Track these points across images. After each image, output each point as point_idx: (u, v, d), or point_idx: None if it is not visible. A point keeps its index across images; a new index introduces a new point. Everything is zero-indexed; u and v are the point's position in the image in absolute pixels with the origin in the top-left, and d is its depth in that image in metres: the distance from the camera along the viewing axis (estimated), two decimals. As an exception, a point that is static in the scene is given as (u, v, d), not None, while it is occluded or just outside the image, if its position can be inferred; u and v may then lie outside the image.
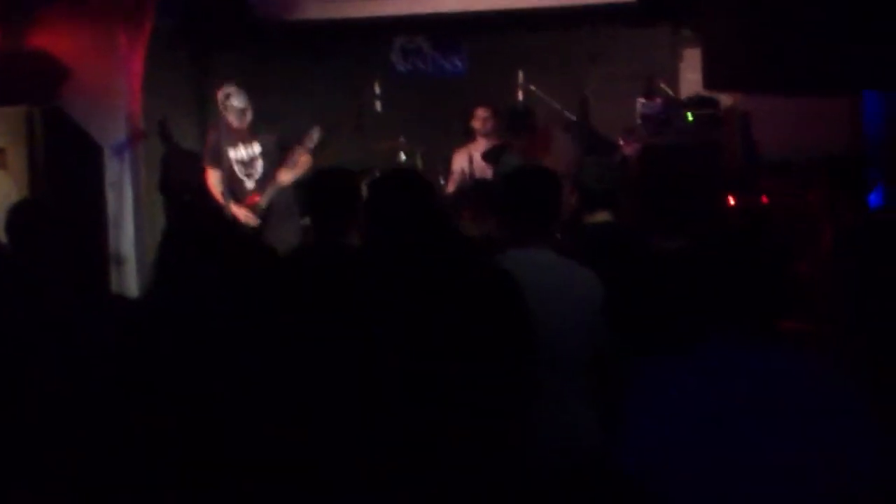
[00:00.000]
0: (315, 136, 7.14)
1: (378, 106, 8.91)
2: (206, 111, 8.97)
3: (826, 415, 2.44)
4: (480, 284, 2.74)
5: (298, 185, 7.20)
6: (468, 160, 8.02)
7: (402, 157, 8.57)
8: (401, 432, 2.53)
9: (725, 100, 8.04)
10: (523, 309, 2.68)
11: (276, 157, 7.25)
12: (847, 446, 2.43)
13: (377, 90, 8.92)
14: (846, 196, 4.81)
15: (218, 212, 6.77)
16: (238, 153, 7.30)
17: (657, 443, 2.54)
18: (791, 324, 2.79)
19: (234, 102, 7.15)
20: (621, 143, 7.37)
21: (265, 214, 7.27)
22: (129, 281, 7.41)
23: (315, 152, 7.13)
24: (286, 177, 7.17)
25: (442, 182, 8.39)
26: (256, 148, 7.29)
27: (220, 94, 7.24)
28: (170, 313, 2.98)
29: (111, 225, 7.47)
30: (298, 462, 2.66)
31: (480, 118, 8.23)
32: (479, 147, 8.15)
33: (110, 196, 7.54)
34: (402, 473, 2.49)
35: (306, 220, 7.28)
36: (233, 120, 7.21)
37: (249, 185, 7.36)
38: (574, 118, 8.51)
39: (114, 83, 7.56)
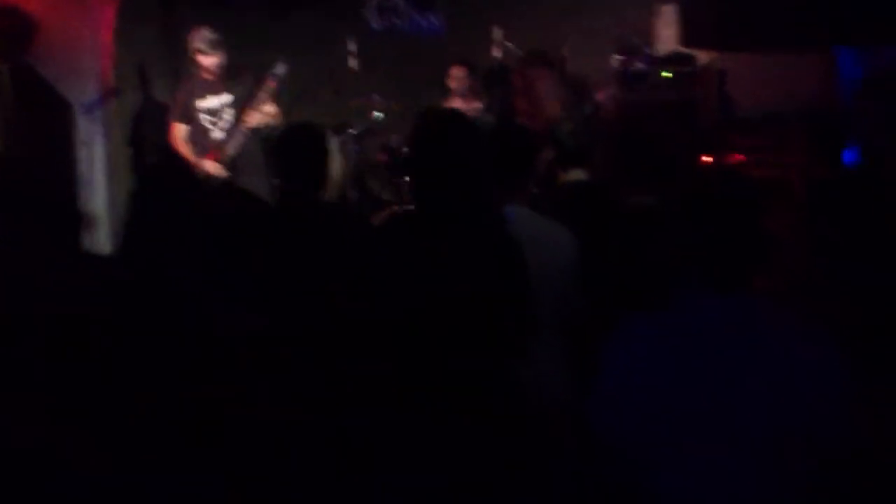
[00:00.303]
0: (280, 70, 6.97)
1: (352, 63, 8.87)
2: (178, 69, 8.88)
3: (797, 369, 2.45)
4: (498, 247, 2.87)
5: (266, 139, 7.12)
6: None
7: (376, 114, 8.53)
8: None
9: (702, 57, 8.01)
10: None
11: (247, 108, 7.08)
12: (817, 400, 2.45)
13: (352, 47, 8.86)
14: (821, 152, 4.81)
15: (185, 170, 6.68)
16: (206, 102, 7.13)
17: (628, 397, 2.56)
18: (764, 281, 2.80)
19: (207, 34, 6.99)
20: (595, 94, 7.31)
21: (234, 165, 7.10)
22: (101, 239, 7.35)
23: (281, 85, 6.97)
24: (253, 119, 7.01)
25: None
26: (225, 97, 7.15)
27: (192, 38, 7.06)
28: (140, 272, 2.97)
29: (82, 183, 7.40)
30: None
31: (456, 77, 8.21)
32: (453, 105, 8.11)
33: (81, 154, 7.46)
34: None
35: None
36: (207, 56, 7.01)
37: (216, 134, 7.17)
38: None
39: (84, 40, 7.46)
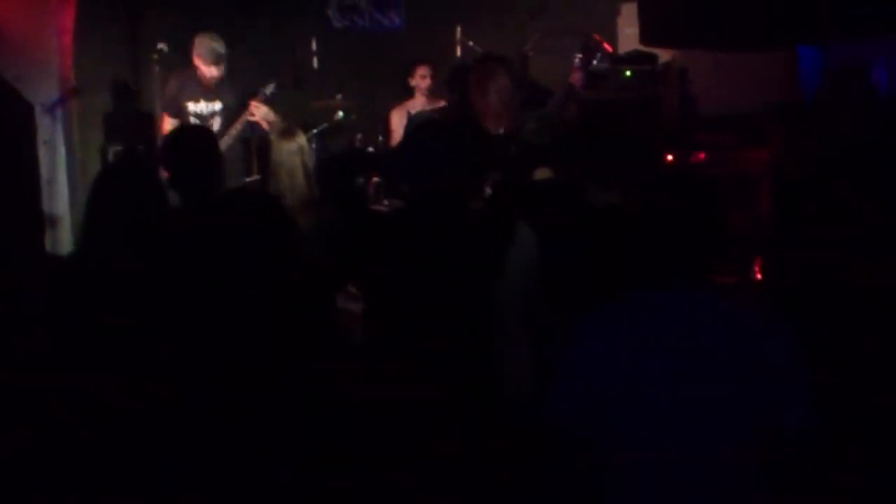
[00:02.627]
0: (269, 90, 7.03)
1: (315, 63, 8.85)
2: (138, 68, 8.83)
3: (753, 363, 2.48)
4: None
5: (243, 141, 7.12)
6: (407, 117, 7.98)
7: (340, 114, 8.51)
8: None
9: (664, 55, 8.05)
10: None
11: (235, 116, 7.11)
12: (773, 394, 2.48)
13: (314, 46, 8.84)
14: (789, 149, 4.84)
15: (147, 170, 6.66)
16: (198, 107, 7.14)
17: (588, 392, 2.57)
18: (725, 277, 2.82)
19: (216, 46, 6.99)
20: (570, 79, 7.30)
21: None
22: (64, 241, 7.30)
23: (268, 104, 7.00)
24: (238, 128, 7.04)
25: (380, 139, 8.38)
26: (217, 105, 7.16)
27: (199, 42, 7.05)
28: (100, 269, 2.96)
29: (44, 184, 7.34)
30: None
31: (420, 75, 8.20)
32: (417, 104, 8.12)
33: (43, 155, 7.41)
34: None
35: (253, 177, 7.26)
36: (210, 66, 7.01)
37: None
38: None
39: (44, 40, 7.42)
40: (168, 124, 7.21)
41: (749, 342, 2.52)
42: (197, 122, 7.11)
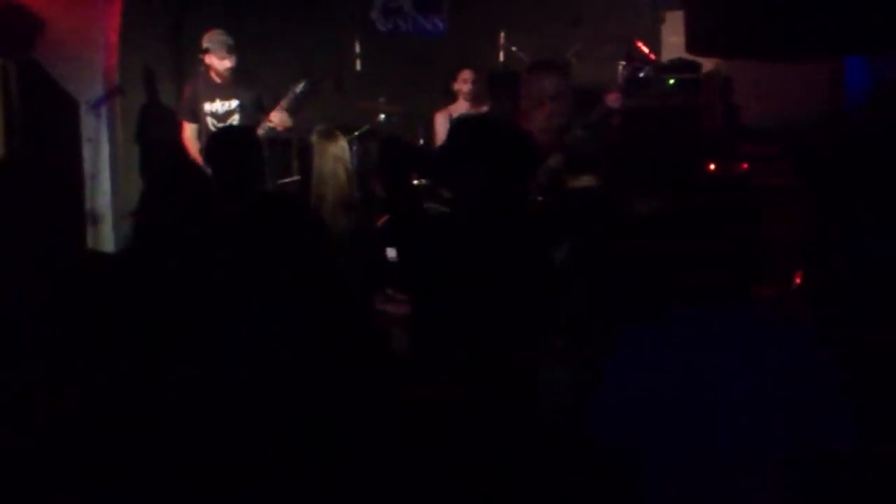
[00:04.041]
0: (300, 88, 7.00)
1: (358, 65, 8.86)
2: (182, 67, 8.88)
3: (795, 382, 2.45)
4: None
5: (282, 143, 7.12)
6: (449, 122, 7.98)
7: (382, 117, 8.52)
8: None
9: (707, 64, 7.99)
10: None
11: (253, 114, 7.10)
12: (816, 415, 2.44)
13: (357, 49, 8.86)
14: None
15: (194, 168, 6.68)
16: (213, 106, 7.15)
17: (627, 406, 2.55)
18: (766, 289, 2.80)
19: (223, 37, 7.00)
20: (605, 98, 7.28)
21: None
22: (105, 238, 7.35)
23: (297, 102, 6.99)
24: (274, 120, 6.98)
25: (421, 142, 8.38)
26: (234, 103, 7.16)
27: (206, 38, 7.07)
28: (152, 271, 2.97)
29: (87, 181, 7.40)
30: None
31: (463, 80, 8.20)
32: (460, 109, 8.12)
33: (86, 152, 7.46)
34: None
35: (293, 178, 7.27)
36: (220, 59, 7.02)
37: None
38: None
39: (90, 38, 7.47)
40: (188, 130, 7.28)
41: (792, 360, 2.49)
42: (213, 121, 7.15)
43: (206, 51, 6.98)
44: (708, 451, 2.47)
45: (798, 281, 5.20)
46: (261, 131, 6.90)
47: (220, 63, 7.02)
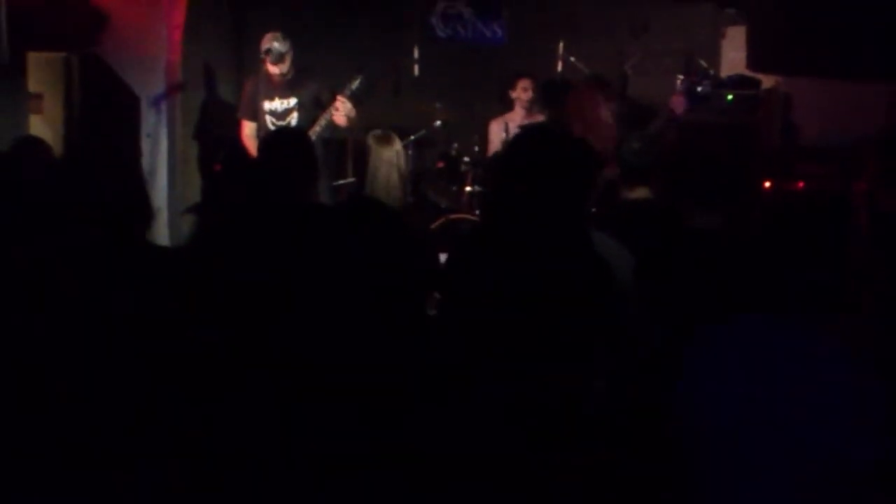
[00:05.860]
0: (356, 85, 7.01)
1: (416, 69, 8.90)
2: (243, 65, 8.98)
3: (843, 400, 2.43)
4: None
5: (337, 143, 7.14)
6: (505, 130, 8.00)
7: (438, 122, 8.55)
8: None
9: (766, 80, 7.96)
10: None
11: (312, 111, 7.12)
12: (857, 428, 2.43)
13: (416, 54, 8.90)
14: (890, 184, 4.75)
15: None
16: (273, 105, 7.19)
17: (712, 401, 2.55)
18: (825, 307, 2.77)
19: (277, 45, 7.03)
20: (670, 102, 7.23)
21: None
22: (161, 232, 7.43)
23: (354, 99, 6.98)
24: (338, 119, 6.94)
25: (476, 149, 8.40)
26: (292, 101, 7.20)
27: (264, 41, 7.10)
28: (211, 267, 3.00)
29: (146, 176, 7.48)
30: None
31: (521, 88, 8.22)
32: (515, 117, 8.13)
33: (146, 147, 7.55)
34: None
35: (347, 180, 7.29)
36: (272, 65, 7.07)
37: None
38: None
39: (154, 33, 7.56)
40: (247, 128, 7.31)
41: (840, 379, 2.47)
42: (273, 119, 7.18)
43: (266, 52, 7.04)
44: (755, 461, 2.48)
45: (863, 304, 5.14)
46: (317, 128, 6.94)
47: (272, 67, 7.09)
